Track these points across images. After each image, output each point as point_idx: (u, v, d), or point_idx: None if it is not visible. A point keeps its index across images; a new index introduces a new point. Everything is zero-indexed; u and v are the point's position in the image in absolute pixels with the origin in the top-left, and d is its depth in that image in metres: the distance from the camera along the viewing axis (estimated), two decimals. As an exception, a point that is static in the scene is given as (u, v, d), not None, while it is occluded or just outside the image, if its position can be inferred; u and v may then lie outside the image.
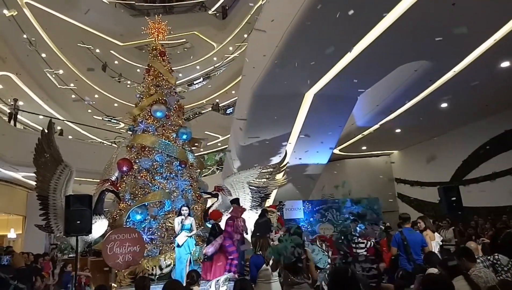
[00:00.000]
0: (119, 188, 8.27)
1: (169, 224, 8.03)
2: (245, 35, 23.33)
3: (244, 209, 7.56)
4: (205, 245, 7.54)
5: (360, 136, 12.09)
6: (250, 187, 8.58)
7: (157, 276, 7.31)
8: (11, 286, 4.44)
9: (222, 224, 7.57)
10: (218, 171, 21.07)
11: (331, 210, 12.35)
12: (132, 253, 6.89)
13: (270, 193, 8.96)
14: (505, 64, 7.75)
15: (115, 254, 6.79)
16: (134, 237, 7.02)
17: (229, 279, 6.45)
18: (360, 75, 8.10)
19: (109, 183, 7.53)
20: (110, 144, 19.20)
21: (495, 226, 8.41)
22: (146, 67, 10.54)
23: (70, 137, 18.98)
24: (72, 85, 21.72)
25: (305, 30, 6.49)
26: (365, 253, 6.52)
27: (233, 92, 24.23)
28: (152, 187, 8.41)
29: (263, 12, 8.70)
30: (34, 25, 18.71)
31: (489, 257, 3.90)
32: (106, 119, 23.47)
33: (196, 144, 10.56)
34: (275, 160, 10.46)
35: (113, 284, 6.87)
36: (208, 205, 8.74)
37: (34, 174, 6.63)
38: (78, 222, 5.73)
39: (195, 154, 10.28)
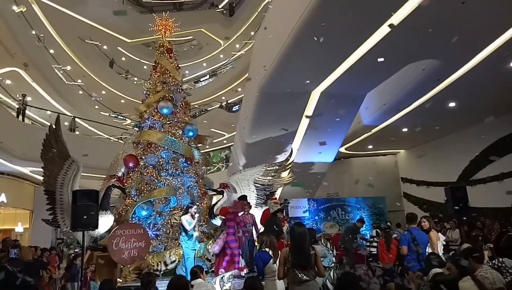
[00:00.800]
0: (125, 184, 8.31)
1: (174, 221, 8.06)
2: (252, 33, 23.30)
3: (244, 203, 7.56)
4: (210, 241, 7.58)
5: (366, 134, 12.05)
6: (256, 184, 8.59)
7: (162, 272, 7.34)
8: (19, 279, 4.48)
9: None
10: (224, 168, 21.13)
11: (336, 209, 12.31)
12: (137, 248, 6.92)
13: (275, 191, 8.97)
14: (514, 64, 7.68)
15: (120, 249, 6.83)
16: (139, 233, 7.05)
17: (234, 276, 6.47)
18: (368, 73, 8.06)
19: (116, 179, 7.58)
20: (117, 140, 19.31)
21: (505, 227, 8.34)
22: (153, 64, 10.56)
23: (77, 132, 19.12)
24: (79, 81, 21.86)
25: (312, 28, 6.47)
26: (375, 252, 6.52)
27: (239, 89, 24.24)
28: (158, 184, 8.44)
29: (271, 9, 8.68)
30: (42, 21, 18.85)
31: (494, 261, 3.88)
32: (113, 115, 23.61)
33: (203, 141, 10.59)
34: (281, 158, 10.44)
35: (118, 279, 6.91)
36: (213, 202, 8.77)
37: (41, 169, 6.69)
38: (85, 217, 5.77)
39: (201, 151, 10.29)
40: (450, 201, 6.49)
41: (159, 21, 11.03)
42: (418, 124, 11.20)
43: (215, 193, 8.99)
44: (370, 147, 14.02)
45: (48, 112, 16.91)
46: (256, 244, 7.06)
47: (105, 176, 8.41)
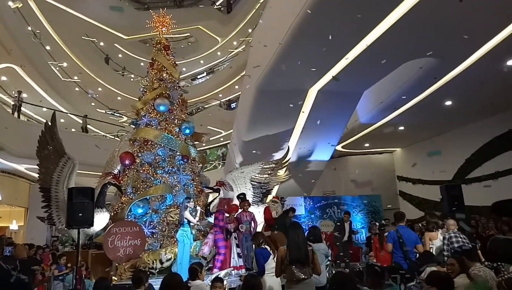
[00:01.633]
0: (121, 181, 8.28)
1: (170, 218, 8.05)
2: (250, 30, 23.26)
3: (230, 201, 7.61)
4: (205, 239, 7.58)
5: (363, 132, 12.06)
6: (252, 182, 8.59)
7: (158, 270, 7.34)
8: (13, 277, 4.46)
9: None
10: (220, 166, 21.11)
11: (332, 207, 12.33)
12: (133, 246, 6.91)
13: (272, 189, 8.97)
14: (511, 62, 7.68)
15: (116, 247, 6.81)
16: (135, 231, 7.04)
17: (229, 274, 6.48)
18: (365, 71, 8.06)
19: (111, 177, 7.54)
20: (113, 137, 19.25)
21: (497, 225, 8.39)
22: (150, 61, 10.52)
23: (73, 130, 19.04)
24: (76, 78, 21.76)
25: (310, 26, 6.45)
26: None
27: (236, 87, 24.21)
28: (154, 181, 8.43)
29: (268, 6, 8.66)
30: (39, 18, 18.73)
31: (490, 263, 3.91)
32: (110, 112, 23.53)
33: (199, 139, 10.57)
34: (278, 155, 10.44)
35: (113, 277, 6.90)
36: (209, 200, 8.76)
37: (37, 166, 6.65)
38: (80, 214, 5.74)
39: (198, 149, 10.28)
40: (446, 200, 6.51)
41: (156, 18, 10.98)
42: (414, 123, 11.23)
43: (211, 191, 8.99)
44: (367, 145, 14.04)
45: (44, 109, 16.83)
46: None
47: (101, 174, 8.38)
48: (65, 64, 21.05)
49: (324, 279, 4.98)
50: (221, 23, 26.61)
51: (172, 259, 7.44)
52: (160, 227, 8.01)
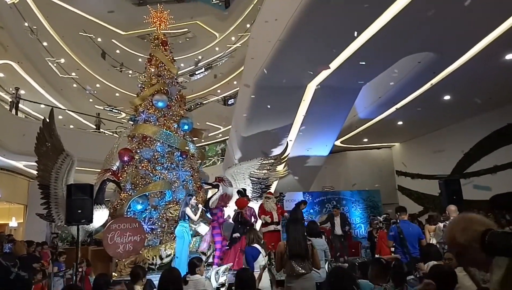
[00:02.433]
0: (120, 178, 8.28)
1: (170, 214, 8.06)
2: (248, 25, 23.17)
3: (229, 197, 7.62)
4: (204, 236, 7.61)
5: (361, 127, 12.06)
6: (251, 178, 8.60)
7: (158, 266, 7.36)
8: (13, 273, 4.45)
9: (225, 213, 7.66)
10: (219, 162, 21.10)
11: (332, 202, 12.35)
12: (132, 242, 6.93)
13: (271, 185, 8.99)
14: (509, 56, 7.67)
15: (115, 244, 6.83)
16: (134, 227, 7.06)
17: (229, 269, 6.50)
18: (363, 66, 8.04)
19: (110, 173, 7.53)
20: (112, 133, 19.22)
21: (496, 219, 8.40)
22: (148, 57, 10.49)
23: (71, 126, 18.99)
24: (73, 74, 21.66)
25: (308, 21, 6.43)
26: None
27: (235, 82, 24.15)
28: (153, 177, 8.43)
29: (266, 1, 8.62)
30: (35, 13, 18.61)
31: None
32: (108, 108, 23.46)
33: (198, 135, 10.55)
34: (276, 151, 10.44)
35: (113, 273, 6.91)
36: (208, 196, 8.76)
37: (35, 163, 6.63)
38: (79, 211, 5.74)
39: (196, 145, 10.27)
40: (444, 194, 6.53)
41: (153, 13, 10.93)
42: (413, 118, 11.22)
43: (210, 187, 8.98)
44: (366, 140, 14.05)
45: (42, 106, 16.77)
46: None
47: (99, 170, 8.37)
48: (62, 60, 20.95)
49: (324, 274, 5.00)
50: (219, 19, 26.50)
51: (172, 255, 7.46)
52: (159, 223, 8.02)
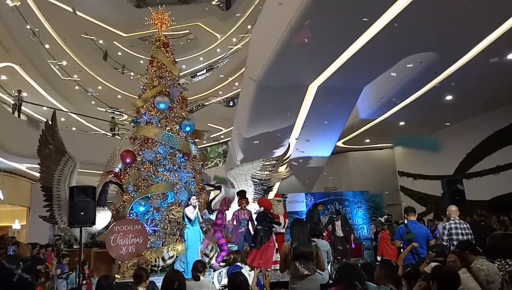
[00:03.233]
0: (123, 180, 8.29)
1: (172, 216, 8.06)
2: (249, 26, 23.19)
3: (230, 200, 7.62)
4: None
5: (363, 128, 12.04)
6: (253, 179, 8.59)
7: (160, 267, 7.36)
8: (16, 276, 4.47)
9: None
10: (221, 163, 21.10)
11: (334, 203, 12.33)
12: (135, 244, 6.93)
13: (273, 186, 8.97)
14: (511, 56, 7.66)
15: (118, 246, 6.83)
16: (137, 229, 7.06)
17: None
18: (365, 67, 8.03)
19: (113, 175, 7.55)
20: (113, 135, 19.26)
21: (499, 219, 8.38)
22: (150, 59, 10.49)
23: (74, 128, 19.05)
24: (75, 76, 21.73)
25: (309, 21, 6.43)
26: None
27: (236, 84, 24.17)
28: (155, 179, 8.43)
29: (267, 2, 8.63)
30: (37, 16, 18.67)
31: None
32: (110, 110, 23.52)
33: (200, 136, 10.55)
34: (278, 152, 10.44)
35: (116, 275, 6.92)
36: (211, 198, 8.77)
37: (38, 166, 6.66)
38: (82, 213, 5.76)
39: (198, 146, 10.27)
40: (447, 194, 6.51)
41: (155, 15, 10.94)
42: (415, 118, 11.20)
43: (212, 188, 9.00)
44: (367, 141, 14.03)
45: (44, 108, 16.83)
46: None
47: (102, 172, 8.39)
48: (64, 63, 21.02)
49: (327, 276, 4.98)
50: (220, 20, 26.53)
51: (175, 257, 7.47)
52: (162, 225, 8.02)
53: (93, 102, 23.31)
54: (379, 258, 8.45)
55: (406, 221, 5.86)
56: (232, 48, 26.13)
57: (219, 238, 7.19)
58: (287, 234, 8.16)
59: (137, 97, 10.07)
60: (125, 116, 22.48)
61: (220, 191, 8.33)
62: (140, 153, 8.76)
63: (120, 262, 7.07)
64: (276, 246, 6.85)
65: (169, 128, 9.12)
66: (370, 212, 12.28)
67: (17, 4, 15.55)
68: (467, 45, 7.33)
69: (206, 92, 26.20)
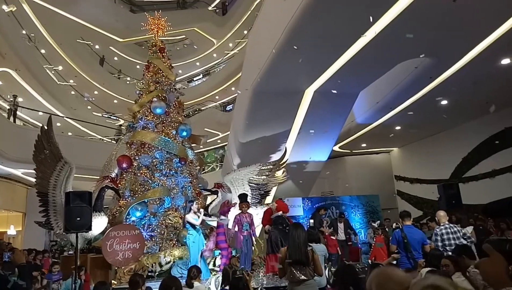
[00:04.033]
0: (119, 185, 8.27)
1: (169, 221, 8.03)
2: (245, 31, 23.26)
3: (230, 205, 7.63)
4: (205, 241, 7.58)
5: (360, 133, 12.08)
6: (250, 184, 8.58)
7: (157, 273, 7.32)
8: (10, 282, 4.44)
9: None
10: (218, 168, 21.09)
11: (331, 207, 12.34)
12: (132, 250, 6.90)
13: (270, 190, 8.97)
14: (505, 61, 7.72)
15: (115, 251, 6.80)
16: (134, 234, 7.03)
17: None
18: (361, 72, 8.08)
19: (109, 180, 7.52)
20: (110, 140, 19.20)
21: (496, 224, 8.40)
22: (146, 64, 10.51)
23: (70, 133, 18.97)
24: (71, 81, 21.67)
25: (305, 27, 6.47)
26: None
27: (233, 88, 24.20)
28: (152, 184, 8.41)
29: (263, 8, 8.67)
30: (33, 21, 18.65)
31: None
32: (106, 115, 23.47)
33: (196, 141, 10.55)
34: (275, 157, 10.44)
35: (113, 281, 6.87)
36: (208, 202, 8.75)
37: (33, 171, 6.62)
38: (78, 219, 5.73)
39: (195, 151, 10.27)
40: (443, 199, 6.53)
41: (151, 20, 10.98)
42: (411, 122, 11.25)
43: (209, 193, 8.98)
44: (364, 145, 14.07)
45: (40, 113, 16.77)
46: (254, 244, 7.12)
47: (98, 177, 8.35)
48: (60, 68, 20.97)
49: (324, 281, 4.96)
50: (216, 25, 26.59)
51: (172, 262, 7.43)
52: (159, 230, 7.99)
53: (89, 107, 23.24)
54: (370, 262, 8.48)
55: (400, 226, 5.86)
56: (229, 53, 26.18)
57: (221, 242, 7.17)
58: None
59: (134, 102, 10.08)
60: (122, 121, 22.44)
61: (217, 196, 8.32)
62: (137, 158, 8.74)
63: (116, 268, 7.02)
64: None
65: (165, 133, 9.11)
66: (367, 216, 12.29)
67: (13, 10, 15.52)
68: (462, 50, 7.39)
69: (202, 97, 26.21)
